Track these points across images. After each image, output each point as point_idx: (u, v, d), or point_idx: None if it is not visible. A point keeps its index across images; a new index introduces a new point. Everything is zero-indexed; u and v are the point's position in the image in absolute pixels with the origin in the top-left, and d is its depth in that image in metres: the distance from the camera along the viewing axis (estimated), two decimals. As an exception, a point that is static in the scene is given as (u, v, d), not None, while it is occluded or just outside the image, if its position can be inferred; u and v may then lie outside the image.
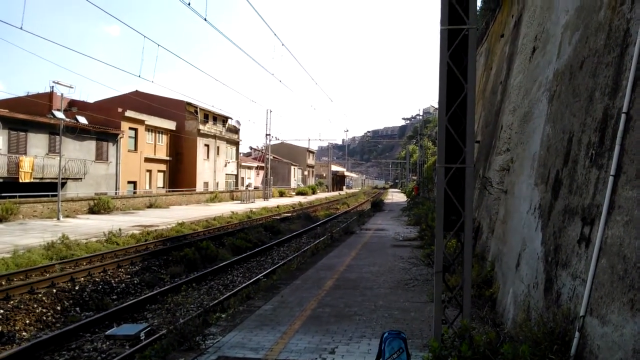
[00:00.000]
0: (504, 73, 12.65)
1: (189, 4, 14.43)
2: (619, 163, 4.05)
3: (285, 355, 6.37)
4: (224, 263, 16.23)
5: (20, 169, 30.21)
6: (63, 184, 31.60)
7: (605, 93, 4.68)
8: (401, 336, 5.76)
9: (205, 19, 15.65)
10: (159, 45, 21.46)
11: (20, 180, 30.27)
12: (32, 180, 31.16)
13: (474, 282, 8.87)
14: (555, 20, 7.48)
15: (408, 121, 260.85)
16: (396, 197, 75.67)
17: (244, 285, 13.00)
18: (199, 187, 51.23)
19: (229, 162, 60.47)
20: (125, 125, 40.86)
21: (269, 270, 14.98)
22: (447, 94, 5.65)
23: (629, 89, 4.06)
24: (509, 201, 9.10)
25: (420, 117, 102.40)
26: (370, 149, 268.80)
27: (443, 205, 5.68)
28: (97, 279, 13.60)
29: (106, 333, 9.47)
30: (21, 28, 15.43)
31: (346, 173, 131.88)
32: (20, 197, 26.61)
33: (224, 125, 59.30)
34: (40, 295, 11.58)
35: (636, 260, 3.49)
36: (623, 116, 4.07)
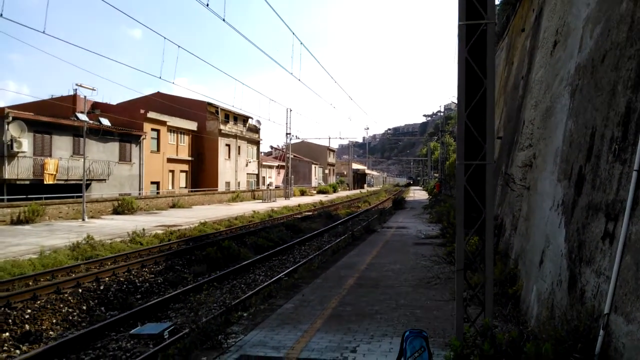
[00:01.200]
0: (526, 68, 12.48)
1: (207, 5, 14.55)
2: (643, 158, 3.97)
3: (307, 354, 6.39)
4: (246, 262, 16.34)
5: (45, 171, 30.83)
6: (87, 185, 32.16)
7: (627, 86, 4.59)
8: (423, 335, 5.74)
9: (224, 20, 15.77)
10: (179, 46, 21.74)
11: (46, 182, 30.89)
12: (57, 182, 31.77)
13: (496, 279, 8.79)
14: (576, 13, 7.35)
15: (429, 118, 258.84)
16: (418, 194, 75.21)
17: (265, 284, 13.06)
18: (221, 186, 51.65)
19: (250, 162, 60.82)
20: (147, 127, 41.40)
21: (291, 269, 15.03)
22: (466, 90, 5.60)
23: (653, 81, 3.97)
24: (531, 198, 8.98)
25: (442, 114, 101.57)
26: (391, 147, 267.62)
27: (463, 202, 5.63)
28: (121, 279, 13.81)
29: (130, 332, 9.61)
30: (44, 32, 15.72)
31: (367, 171, 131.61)
32: (46, 198, 27.18)
33: (244, 125, 59.68)
34: (66, 295, 11.81)
35: (661, 256, 3.42)
36: (647, 110, 3.99)
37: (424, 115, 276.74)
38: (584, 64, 6.35)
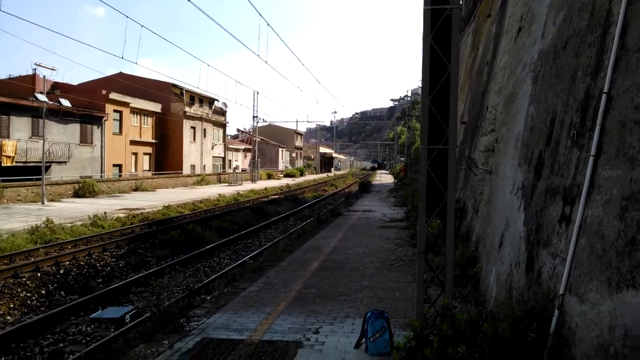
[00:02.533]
0: (490, 53, 12.62)
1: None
2: (599, 143, 4.06)
3: (270, 336, 6.40)
4: (211, 246, 16.20)
5: (2, 153, 29.78)
6: (47, 168, 31.24)
7: (587, 73, 4.67)
8: (384, 316, 5.82)
9: (189, 0, 15.39)
10: (142, 25, 21.17)
11: (3, 164, 29.86)
12: (15, 164, 30.76)
13: (458, 262, 8.95)
14: (540, 0, 7.44)
15: (397, 102, 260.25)
16: (384, 178, 75.88)
17: (229, 267, 12.99)
18: (186, 170, 50.94)
19: (215, 145, 60.11)
20: (109, 108, 40.36)
21: (256, 252, 14.98)
22: (430, 74, 5.62)
23: (610, 68, 4.05)
24: (493, 182, 9.14)
25: (409, 98, 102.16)
26: (358, 131, 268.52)
27: (426, 186, 5.68)
28: (82, 263, 13.53)
29: (91, 316, 9.44)
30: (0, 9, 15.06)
31: (334, 155, 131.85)
32: (3, 181, 26.27)
33: (210, 108, 58.83)
34: (24, 279, 11.50)
35: (614, 239, 3.52)
36: (604, 96, 4.07)
37: (392, 100, 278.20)
38: (547, 50, 6.45)
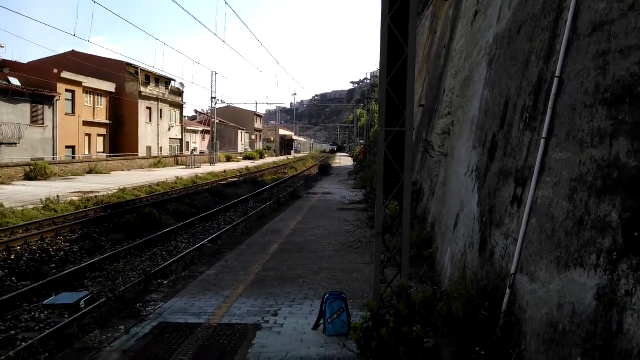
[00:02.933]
0: (448, 37, 12.75)
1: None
2: (550, 126, 4.16)
3: (228, 319, 6.37)
4: (168, 229, 15.94)
5: (-54, 133, 28.41)
6: (-5, 149, 29.98)
7: (540, 57, 4.77)
8: (342, 297, 5.87)
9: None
10: (94, 2, 20.37)
11: (-53, 145, 28.51)
12: (-40, 145, 29.40)
13: (414, 243, 9.10)
14: (496, -16, 7.53)
15: (356, 85, 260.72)
16: (344, 161, 76.26)
17: (187, 251, 12.84)
18: (142, 152, 49.79)
19: (172, 126, 58.93)
20: (61, 87, 38.87)
21: (214, 235, 14.84)
22: (387, 57, 5.62)
23: (562, 53, 4.14)
24: (449, 164, 9.30)
25: (368, 81, 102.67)
26: (318, 113, 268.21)
27: (383, 168, 5.72)
28: (34, 248, 13.11)
29: (44, 302, 9.16)
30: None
31: (294, 137, 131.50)
32: (-52, 163, 25.11)
33: (167, 88, 57.50)
34: (-29, 265, 11.05)
35: (563, 220, 3.62)
36: (556, 80, 4.16)
37: (351, 82, 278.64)
38: (502, 34, 6.55)
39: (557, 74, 4.15)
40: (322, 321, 5.91)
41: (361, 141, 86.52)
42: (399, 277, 5.82)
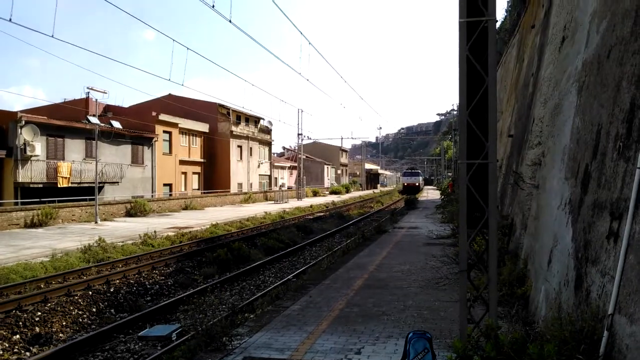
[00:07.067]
0: (535, 64, 12.32)
1: (213, 7, 14.56)
2: (646, 155, 3.87)
3: (311, 356, 6.35)
4: (256, 263, 16.34)
5: (58, 174, 31.15)
6: (100, 188, 32.44)
7: (632, 82, 4.48)
8: (426, 336, 5.66)
9: (230, 21, 15.77)
10: (187, 48, 21.80)
11: (59, 185, 31.22)
12: (70, 185, 32.09)
13: (505, 280, 8.67)
14: (583, 8, 7.23)
15: (443, 116, 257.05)
16: (431, 194, 74.79)
17: (273, 286, 13.04)
18: (233, 188, 51.80)
19: (262, 163, 60.95)
20: (159, 129, 41.62)
21: (300, 270, 15.01)
22: (467, 88, 5.52)
23: (657, 76, 3.87)
24: (540, 196, 8.85)
25: (455, 112, 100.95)
26: (404, 146, 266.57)
27: (466, 202, 5.55)
28: (131, 281, 13.89)
29: (139, 334, 9.65)
30: (52, 36, 15.87)
31: (380, 171, 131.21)
32: (59, 201, 27.44)
33: (256, 126, 59.80)
34: (76, 297, 11.89)
35: (664, 256, 3.32)
36: (650, 105, 3.89)
37: (438, 114, 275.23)
38: (591, 59, 6.24)
39: (652, 99, 3.88)
40: (405, 361, 5.72)
41: (449, 173, 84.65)
42: (486, 316, 5.55)
